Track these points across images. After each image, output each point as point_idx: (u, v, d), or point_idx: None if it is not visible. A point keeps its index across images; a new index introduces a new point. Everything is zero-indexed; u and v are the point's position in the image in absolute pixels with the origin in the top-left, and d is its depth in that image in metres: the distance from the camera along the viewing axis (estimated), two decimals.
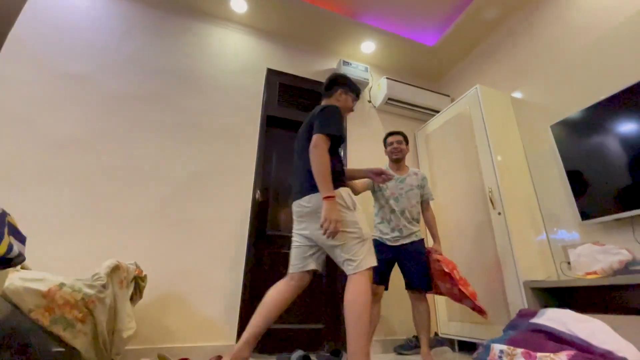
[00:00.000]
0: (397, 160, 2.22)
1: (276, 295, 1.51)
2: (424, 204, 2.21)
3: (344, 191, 1.48)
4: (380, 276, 1.99)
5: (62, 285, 1.06)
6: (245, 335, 1.41)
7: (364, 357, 1.23)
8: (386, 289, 2.04)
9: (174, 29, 2.72)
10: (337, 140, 1.56)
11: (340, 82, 1.77)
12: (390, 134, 2.27)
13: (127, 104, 2.35)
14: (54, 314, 1.01)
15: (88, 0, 2.52)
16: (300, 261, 1.58)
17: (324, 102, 1.76)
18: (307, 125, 1.62)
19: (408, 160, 2.89)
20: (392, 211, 2.10)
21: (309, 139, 1.53)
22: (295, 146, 1.71)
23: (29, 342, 0.86)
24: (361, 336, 1.25)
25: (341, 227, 1.38)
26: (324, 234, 1.36)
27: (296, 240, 1.61)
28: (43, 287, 1.02)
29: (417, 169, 2.28)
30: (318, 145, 1.44)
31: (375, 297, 1.97)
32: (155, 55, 2.57)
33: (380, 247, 2.03)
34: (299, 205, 1.53)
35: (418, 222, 2.12)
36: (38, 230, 1.86)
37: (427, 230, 2.21)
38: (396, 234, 2.07)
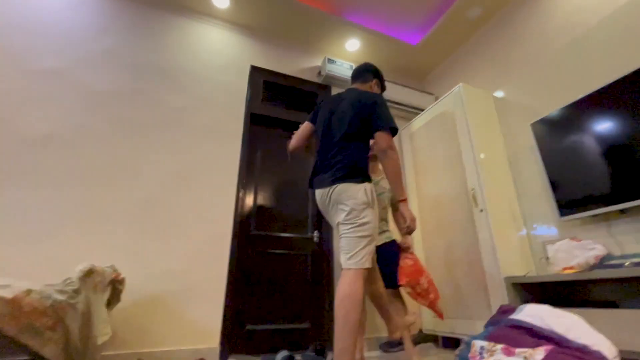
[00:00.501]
0: (373, 159, 2.18)
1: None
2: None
3: (369, 186, 1.43)
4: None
5: (29, 291, 1.01)
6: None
7: (350, 355, 1.21)
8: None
9: (154, 23, 2.64)
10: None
11: (376, 74, 1.77)
12: None
13: (106, 100, 2.27)
14: (20, 322, 0.95)
15: None
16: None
17: (357, 86, 1.72)
18: (352, 108, 1.51)
19: None
20: None
21: (351, 125, 1.47)
22: (327, 125, 1.56)
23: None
24: (351, 334, 1.23)
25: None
26: (408, 233, 1.47)
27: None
28: (8, 293, 0.97)
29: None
30: (393, 147, 1.44)
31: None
32: (134, 50, 2.49)
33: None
34: (327, 196, 1.46)
35: (383, 219, 2.06)
36: (10, 233, 1.77)
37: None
38: None
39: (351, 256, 1.34)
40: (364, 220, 1.36)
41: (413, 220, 1.48)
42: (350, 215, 1.36)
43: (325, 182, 1.47)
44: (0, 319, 0.94)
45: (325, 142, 1.55)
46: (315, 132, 1.70)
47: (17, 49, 2.15)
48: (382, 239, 2.02)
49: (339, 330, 1.24)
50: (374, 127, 1.47)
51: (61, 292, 1.08)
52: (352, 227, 1.36)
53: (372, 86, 1.76)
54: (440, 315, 1.97)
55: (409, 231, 1.49)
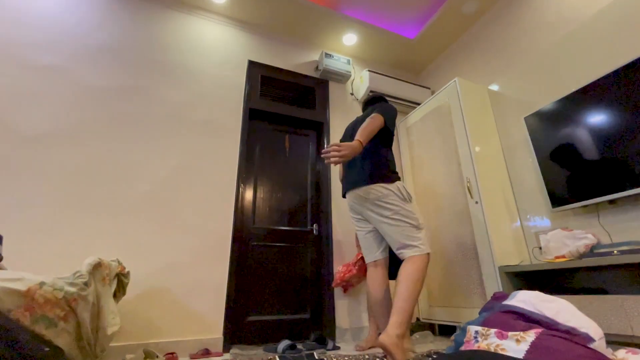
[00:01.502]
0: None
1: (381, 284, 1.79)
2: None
3: (400, 184, 1.72)
4: None
5: (42, 284, 1.04)
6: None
7: (409, 318, 1.46)
8: None
9: (152, 19, 2.63)
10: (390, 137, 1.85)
11: (383, 99, 2.11)
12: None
13: (103, 96, 2.27)
14: (34, 313, 0.99)
15: None
16: (378, 246, 1.83)
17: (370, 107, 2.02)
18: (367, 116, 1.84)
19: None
20: None
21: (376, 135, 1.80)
22: (349, 136, 1.99)
23: (17, 338, 0.84)
24: (413, 299, 1.48)
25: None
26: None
27: (365, 228, 1.86)
28: (22, 286, 1.00)
29: None
30: (375, 121, 1.72)
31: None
32: (132, 46, 2.49)
33: None
34: (359, 197, 1.76)
35: None
36: (15, 229, 1.80)
37: None
38: None
39: (409, 243, 1.62)
40: (395, 206, 1.66)
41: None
42: (385, 208, 1.67)
43: (357, 183, 1.76)
44: (16, 310, 0.97)
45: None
46: None
47: (15, 45, 2.14)
48: None
49: (403, 293, 1.50)
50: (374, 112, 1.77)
51: (72, 284, 1.11)
52: (389, 219, 1.66)
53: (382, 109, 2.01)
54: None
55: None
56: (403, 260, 1.61)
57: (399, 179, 1.75)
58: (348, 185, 1.82)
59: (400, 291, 1.50)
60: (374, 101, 2.11)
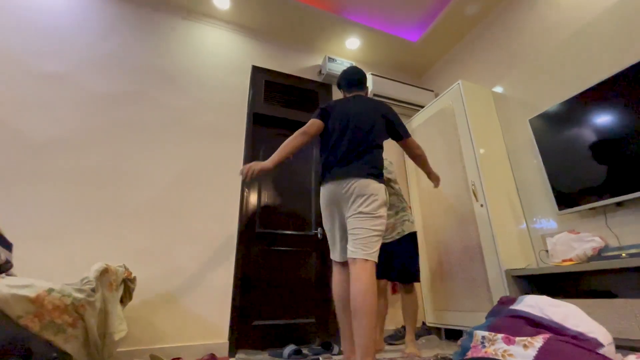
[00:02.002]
0: None
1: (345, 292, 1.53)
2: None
3: (384, 188, 1.59)
4: (379, 272, 2.12)
5: (50, 290, 1.05)
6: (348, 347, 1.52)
7: (372, 350, 1.27)
8: (385, 278, 2.15)
9: (156, 26, 2.67)
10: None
11: (367, 81, 1.94)
12: None
13: (109, 102, 2.30)
14: (43, 319, 1.00)
15: None
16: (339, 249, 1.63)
17: (360, 93, 1.85)
18: (374, 113, 1.68)
19: (394, 155, 2.97)
20: None
21: (379, 130, 1.66)
22: (346, 125, 1.66)
23: (30, 347, 0.86)
24: (373, 327, 1.29)
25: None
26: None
27: (333, 223, 1.65)
28: (31, 293, 1.02)
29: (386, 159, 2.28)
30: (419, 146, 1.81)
31: (379, 291, 2.11)
32: (136, 53, 2.52)
33: None
34: (346, 187, 1.53)
35: (397, 212, 2.15)
36: (23, 235, 1.82)
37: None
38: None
39: (368, 248, 1.42)
40: (381, 214, 1.49)
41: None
42: (370, 206, 1.48)
43: (350, 174, 1.54)
44: (25, 316, 0.98)
45: (345, 140, 1.62)
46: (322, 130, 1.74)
47: (21, 53, 2.18)
48: (392, 236, 2.12)
49: (364, 324, 1.27)
50: (404, 136, 1.74)
51: (80, 290, 1.12)
52: (370, 217, 1.47)
53: (367, 93, 1.95)
54: None
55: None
56: (351, 257, 1.45)
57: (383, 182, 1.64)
58: (333, 174, 1.59)
59: (361, 322, 1.30)
60: (363, 84, 1.87)
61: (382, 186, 1.54)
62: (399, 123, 1.75)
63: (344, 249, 1.60)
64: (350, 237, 1.49)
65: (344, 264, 1.59)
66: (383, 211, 1.51)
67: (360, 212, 1.48)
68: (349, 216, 1.52)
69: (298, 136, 1.69)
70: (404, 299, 2.07)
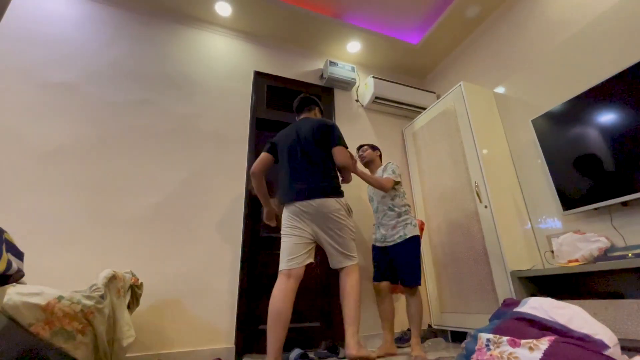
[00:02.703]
0: (367, 165, 2.44)
1: (287, 300, 1.63)
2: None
3: (345, 199, 1.83)
4: (375, 275, 2.22)
5: (60, 298, 1.07)
6: (273, 353, 1.57)
7: (358, 334, 1.59)
8: (386, 280, 2.17)
9: (159, 34, 2.71)
10: None
11: (317, 102, 2.16)
12: (359, 147, 2.51)
13: (115, 111, 2.34)
14: (54, 326, 1.02)
15: (70, 8, 2.50)
16: (301, 256, 1.74)
17: (305, 116, 2.10)
18: (316, 132, 1.87)
19: (397, 157, 2.98)
20: (375, 211, 2.32)
21: (319, 146, 1.85)
22: (298, 149, 1.87)
23: (47, 357, 0.88)
24: (359, 316, 1.64)
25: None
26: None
27: (295, 236, 1.75)
28: (42, 300, 1.04)
29: (387, 163, 2.31)
30: (346, 158, 1.85)
31: (379, 295, 2.17)
32: (140, 61, 2.56)
33: (374, 250, 2.28)
34: (309, 206, 1.74)
35: (400, 215, 2.16)
36: (32, 243, 1.86)
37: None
38: (380, 233, 2.23)
39: (351, 254, 1.76)
40: (352, 224, 1.82)
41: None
42: (343, 222, 1.75)
43: (313, 194, 1.75)
44: (36, 324, 1.01)
45: (297, 163, 1.84)
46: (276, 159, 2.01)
47: (27, 64, 2.23)
48: (396, 236, 2.13)
49: (355, 308, 1.64)
50: (332, 145, 1.86)
51: (89, 297, 1.14)
52: (348, 230, 1.77)
53: (317, 113, 2.15)
54: None
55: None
56: (340, 269, 1.77)
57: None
58: (298, 194, 1.76)
59: (350, 302, 1.65)
60: (309, 106, 2.12)
61: (341, 199, 1.78)
62: (333, 135, 1.88)
63: (302, 260, 1.74)
64: (331, 250, 1.77)
65: (290, 273, 1.71)
66: (346, 218, 1.78)
67: (329, 230, 1.75)
68: (320, 234, 1.77)
69: (252, 180, 1.99)
70: (408, 301, 2.07)
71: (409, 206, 2.24)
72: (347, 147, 1.89)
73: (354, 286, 1.68)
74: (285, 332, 1.58)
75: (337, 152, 1.83)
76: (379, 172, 2.33)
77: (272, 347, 1.55)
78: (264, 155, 1.99)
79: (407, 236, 2.09)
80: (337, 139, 1.86)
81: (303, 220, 1.76)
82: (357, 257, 1.78)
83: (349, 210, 1.82)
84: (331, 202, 1.73)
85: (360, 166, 2.41)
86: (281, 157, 1.94)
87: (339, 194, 1.80)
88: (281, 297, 1.61)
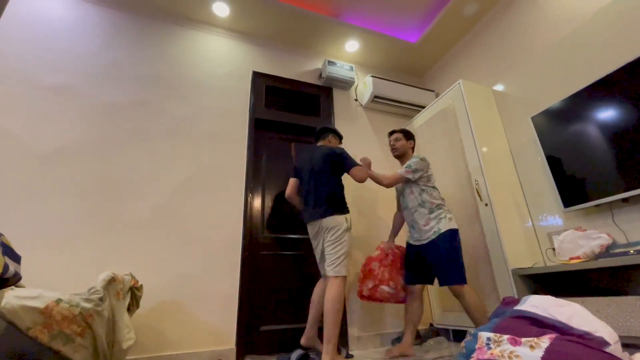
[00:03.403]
0: (398, 157, 2.28)
1: (318, 295, 2.05)
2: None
3: (348, 216, 1.99)
4: (407, 277, 2.13)
5: (59, 301, 1.07)
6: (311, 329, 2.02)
7: (335, 341, 1.74)
8: (421, 282, 2.08)
9: (156, 35, 2.71)
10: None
11: (332, 130, 2.34)
12: (390, 133, 2.33)
13: (113, 113, 2.34)
14: (52, 330, 1.02)
15: (67, 10, 2.50)
16: (321, 266, 2.06)
17: (320, 143, 2.31)
18: (325, 159, 2.08)
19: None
20: (405, 208, 2.15)
21: (326, 172, 2.06)
22: (309, 174, 2.11)
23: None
24: (338, 325, 1.77)
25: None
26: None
27: (315, 250, 2.10)
28: (40, 304, 1.04)
29: (416, 155, 2.16)
30: (361, 175, 2.02)
31: (409, 296, 2.10)
32: (138, 62, 2.56)
33: (407, 249, 2.17)
34: (314, 226, 2.03)
35: (432, 211, 1.99)
36: (30, 245, 1.86)
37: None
38: (414, 232, 2.08)
39: (336, 268, 1.87)
40: (345, 241, 1.91)
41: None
42: (334, 238, 1.92)
43: (316, 216, 2.00)
44: (34, 327, 1.00)
45: (311, 185, 2.09)
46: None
47: (26, 66, 2.23)
48: (427, 235, 1.97)
49: (330, 321, 1.75)
50: (348, 167, 2.06)
51: (88, 300, 1.14)
52: (337, 246, 1.90)
53: (331, 139, 2.32)
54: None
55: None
56: (327, 276, 1.92)
57: (345, 210, 2.00)
58: (309, 216, 2.05)
59: (327, 318, 1.78)
60: (323, 134, 2.33)
61: (343, 217, 1.94)
62: (345, 162, 2.07)
63: (323, 270, 2.04)
64: (323, 258, 1.97)
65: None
66: (347, 236, 1.92)
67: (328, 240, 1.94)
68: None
69: (290, 202, 2.29)
70: (461, 304, 1.89)
71: (443, 200, 2.08)
72: (357, 164, 2.05)
73: (329, 300, 1.79)
74: (318, 316, 2.02)
75: (354, 174, 2.01)
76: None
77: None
78: (291, 180, 2.28)
79: (442, 231, 1.91)
80: (350, 164, 2.05)
81: (315, 238, 2.05)
82: (342, 273, 1.86)
83: (347, 228, 1.93)
84: (328, 221, 1.94)
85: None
86: (300, 180, 2.22)
87: (339, 212, 1.96)
88: (317, 292, 2.07)
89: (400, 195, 2.21)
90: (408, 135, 2.28)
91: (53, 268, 1.87)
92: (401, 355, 1.99)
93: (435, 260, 1.92)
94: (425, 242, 1.99)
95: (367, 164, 2.17)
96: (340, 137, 2.39)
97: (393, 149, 2.26)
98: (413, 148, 2.30)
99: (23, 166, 2.00)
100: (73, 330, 1.06)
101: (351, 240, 1.96)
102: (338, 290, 1.81)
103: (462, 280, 1.84)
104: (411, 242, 2.11)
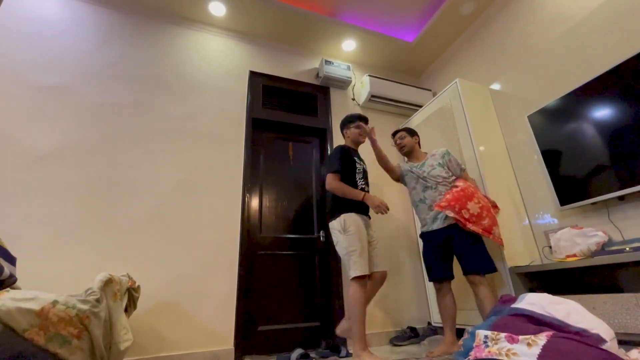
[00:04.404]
0: (407, 154, 2.32)
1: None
2: (458, 180, 2.07)
3: (342, 217, 1.93)
4: (430, 274, 2.08)
5: (55, 302, 1.06)
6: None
7: (357, 338, 1.73)
8: (449, 278, 2.02)
9: (152, 35, 2.70)
10: (343, 172, 2.02)
11: (341, 124, 2.30)
12: (394, 134, 2.38)
13: (109, 113, 2.32)
14: (48, 332, 1.01)
15: (62, 10, 2.48)
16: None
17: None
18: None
19: (394, 154, 2.96)
20: (420, 200, 2.13)
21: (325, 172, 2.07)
22: None
23: None
24: (356, 324, 1.75)
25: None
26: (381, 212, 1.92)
27: None
28: (36, 306, 1.03)
29: (436, 150, 2.20)
30: (328, 182, 2.00)
31: (439, 293, 2.04)
32: (134, 62, 2.54)
33: (427, 238, 2.11)
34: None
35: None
36: (26, 247, 1.84)
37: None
38: (431, 216, 2.04)
39: (349, 269, 1.86)
40: (342, 240, 1.90)
41: (379, 206, 1.90)
42: (335, 240, 1.97)
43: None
44: (30, 329, 1.00)
45: None
46: None
47: (21, 67, 2.21)
48: (448, 220, 1.95)
49: (352, 322, 1.77)
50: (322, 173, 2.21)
51: (84, 301, 1.13)
52: (340, 247, 1.94)
53: (345, 135, 2.27)
54: (498, 241, 1.92)
55: (381, 212, 1.90)
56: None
57: (344, 211, 1.94)
58: None
59: (350, 317, 1.81)
60: (340, 129, 2.34)
61: (336, 221, 1.95)
62: (327, 160, 2.13)
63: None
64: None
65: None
66: (342, 237, 1.91)
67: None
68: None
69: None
70: (475, 293, 1.88)
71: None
72: (333, 170, 2.00)
73: (348, 301, 1.83)
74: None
75: (326, 180, 2.02)
76: (430, 160, 2.16)
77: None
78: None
79: (452, 220, 1.93)
80: (327, 169, 2.05)
81: None
82: (353, 274, 1.82)
83: (340, 230, 1.92)
84: (331, 224, 2.00)
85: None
86: None
87: (333, 216, 1.98)
88: None
89: (416, 185, 2.18)
90: (412, 132, 2.34)
91: (49, 270, 1.86)
92: (444, 354, 1.88)
93: (460, 249, 1.92)
94: (445, 224, 1.98)
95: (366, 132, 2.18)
96: (352, 119, 2.24)
97: (402, 147, 2.31)
98: (419, 143, 2.35)
99: (18, 167, 1.99)
100: (69, 332, 1.05)
101: (352, 238, 1.86)
102: (353, 292, 1.79)
103: (492, 267, 1.88)
104: (433, 228, 2.04)
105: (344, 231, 1.90)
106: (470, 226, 1.87)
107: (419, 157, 2.27)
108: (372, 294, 2.00)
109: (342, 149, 2.09)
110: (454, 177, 2.10)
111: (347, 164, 2.04)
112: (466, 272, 1.91)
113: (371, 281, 1.96)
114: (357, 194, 1.93)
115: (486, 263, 1.88)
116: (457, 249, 1.95)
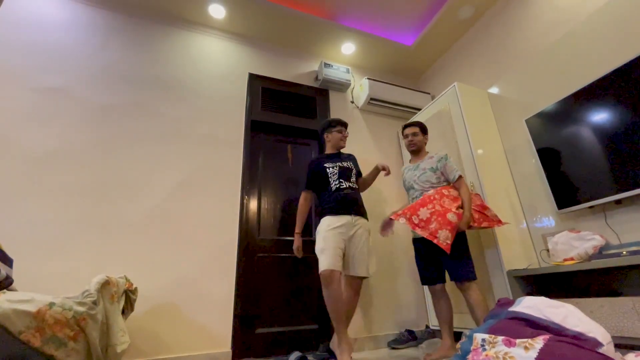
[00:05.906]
0: (414, 152, 2.24)
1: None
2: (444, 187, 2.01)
3: (322, 221, 2.03)
4: (421, 279, 2.11)
5: (51, 304, 1.06)
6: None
7: (337, 331, 1.82)
8: (441, 282, 2.03)
9: (152, 36, 2.70)
10: (312, 186, 2.19)
11: (321, 128, 2.34)
12: (406, 126, 2.26)
13: (107, 115, 2.32)
14: (45, 334, 1.01)
15: (62, 12, 2.48)
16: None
17: None
18: None
19: (392, 158, 2.96)
20: (413, 200, 2.11)
21: None
22: None
23: None
24: (334, 318, 1.83)
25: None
26: None
27: None
28: (32, 307, 1.02)
29: (436, 153, 2.14)
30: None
31: (434, 296, 2.06)
32: (133, 64, 2.55)
33: (416, 244, 2.13)
34: None
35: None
36: (22, 248, 1.83)
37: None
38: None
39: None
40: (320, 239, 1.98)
41: (295, 249, 2.18)
42: None
43: None
44: (26, 331, 0.99)
45: None
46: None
47: (20, 68, 2.21)
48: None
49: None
50: None
51: (81, 303, 1.13)
52: None
53: (327, 139, 2.32)
54: (441, 245, 1.76)
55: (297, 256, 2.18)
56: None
57: (320, 216, 2.06)
58: None
59: None
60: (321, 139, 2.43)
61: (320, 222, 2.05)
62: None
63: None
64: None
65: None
66: (318, 236, 1.99)
67: None
68: None
69: None
70: (465, 299, 1.88)
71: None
72: (303, 189, 2.23)
73: None
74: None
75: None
76: (424, 163, 2.12)
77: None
78: None
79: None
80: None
81: None
82: (320, 269, 1.89)
83: (318, 231, 2.03)
84: None
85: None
86: None
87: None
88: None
89: (409, 187, 2.18)
90: (425, 130, 2.26)
91: (46, 271, 1.85)
92: (442, 357, 1.88)
93: (447, 257, 1.89)
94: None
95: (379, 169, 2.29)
96: (333, 124, 2.29)
97: (411, 144, 2.21)
98: (426, 143, 2.27)
99: (17, 168, 1.98)
100: (66, 334, 1.04)
101: (318, 238, 1.97)
102: (322, 282, 1.87)
103: (472, 275, 1.87)
104: (417, 236, 2.06)
105: (317, 233, 2.02)
106: (419, 231, 1.86)
107: (421, 157, 2.22)
108: (351, 304, 1.96)
109: (309, 163, 2.25)
110: (445, 183, 2.06)
111: (315, 176, 2.16)
112: (451, 279, 1.92)
113: (347, 286, 1.98)
114: (297, 227, 2.18)
115: (463, 271, 1.86)
116: (439, 256, 1.98)
